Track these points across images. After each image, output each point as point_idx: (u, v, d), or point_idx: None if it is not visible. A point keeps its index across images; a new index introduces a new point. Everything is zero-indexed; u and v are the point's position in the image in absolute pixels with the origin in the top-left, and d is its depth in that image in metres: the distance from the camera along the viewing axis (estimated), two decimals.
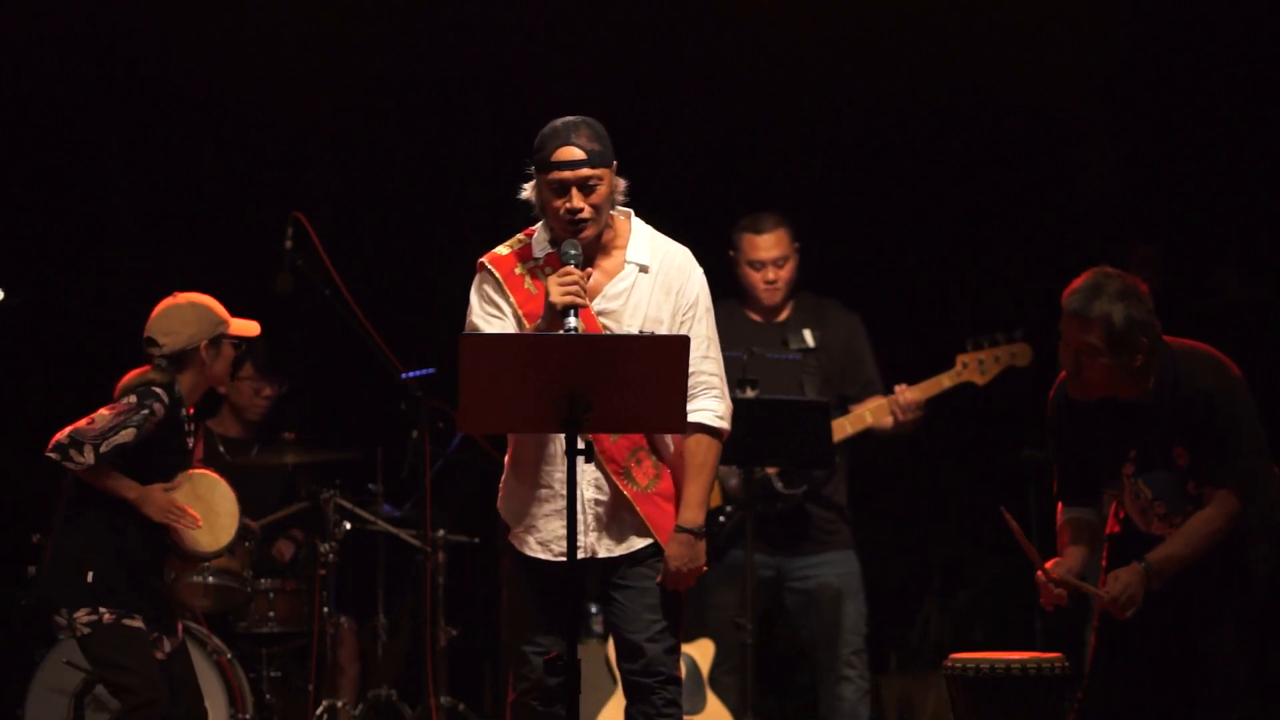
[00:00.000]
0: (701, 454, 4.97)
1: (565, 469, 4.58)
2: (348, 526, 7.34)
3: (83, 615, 5.65)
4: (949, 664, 5.35)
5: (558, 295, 4.73)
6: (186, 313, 5.78)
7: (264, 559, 7.40)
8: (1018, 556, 5.19)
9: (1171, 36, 7.92)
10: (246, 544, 7.01)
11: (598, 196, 4.87)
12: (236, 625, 7.25)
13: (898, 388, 6.96)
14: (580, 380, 4.50)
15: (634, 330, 4.91)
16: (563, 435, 4.57)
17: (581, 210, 4.86)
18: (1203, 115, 7.95)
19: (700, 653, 7.00)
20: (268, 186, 8.51)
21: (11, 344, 8.16)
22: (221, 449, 7.59)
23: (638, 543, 4.96)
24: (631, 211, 5.03)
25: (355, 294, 6.87)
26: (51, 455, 5.59)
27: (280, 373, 7.76)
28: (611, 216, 4.97)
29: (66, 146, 8.25)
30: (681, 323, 4.97)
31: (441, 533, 7.37)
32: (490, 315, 4.97)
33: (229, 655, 6.86)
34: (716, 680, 7.01)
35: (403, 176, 8.47)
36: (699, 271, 5.05)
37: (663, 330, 4.94)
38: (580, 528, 4.87)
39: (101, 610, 5.65)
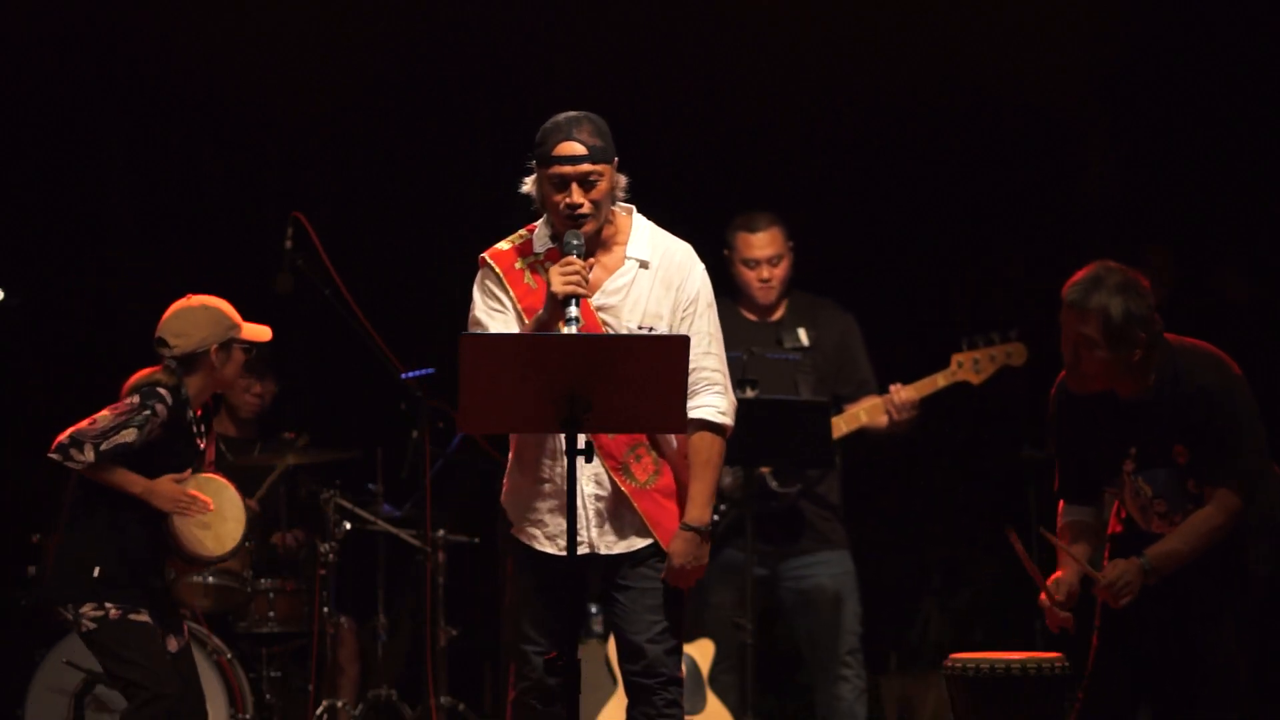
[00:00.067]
0: (705, 451, 4.96)
1: (566, 465, 4.57)
2: (348, 526, 7.34)
3: (89, 610, 5.63)
4: (949, 664, 5.35)
5: (559, 284, 4.72)
6: (199, 315, 5.76)
7: (265, 556, 7.39)
8: (1016, 557, 5.18)
9: (1171, 36, 7.92)
10: (247, 544, 6.99)
11: (598, 192, 4.87)
12: (236, 625, 7.25)
13: (893, 387, 6.96)
14: (580, 380, 4.49)
15: (633, 326, 4.91)
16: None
17: (581, 205, 4.85)
18: (1203, 115, 7.95)
19: (700, 653, 7.00)
20: (268, 186, 8.51)
21: (11, 344, 8.15)
22: (222, 447, 7.59)
23: (639, 542, 4.95)
24: (634, 208, 5.03)
25: (355, 294, 6.87)
26: (54, 456, 5.59)
27: (273, 370, 7.75)
28: (613, 212, 4.96)
29: (66, 146, 8.25)
30: (682, 319, 4.96)
31: (441, 533, 7.37)
32: (493, 310, 4.97)
33: (229, 655, 6.86)
34: (716, 680, 7.01)
35: (403, 176, 8.47)
36: (700, 267, 5.03)
37: (662, 326, 4.93)
38: (581, 523, 4.87)
39: (108, 605, 5.63)
